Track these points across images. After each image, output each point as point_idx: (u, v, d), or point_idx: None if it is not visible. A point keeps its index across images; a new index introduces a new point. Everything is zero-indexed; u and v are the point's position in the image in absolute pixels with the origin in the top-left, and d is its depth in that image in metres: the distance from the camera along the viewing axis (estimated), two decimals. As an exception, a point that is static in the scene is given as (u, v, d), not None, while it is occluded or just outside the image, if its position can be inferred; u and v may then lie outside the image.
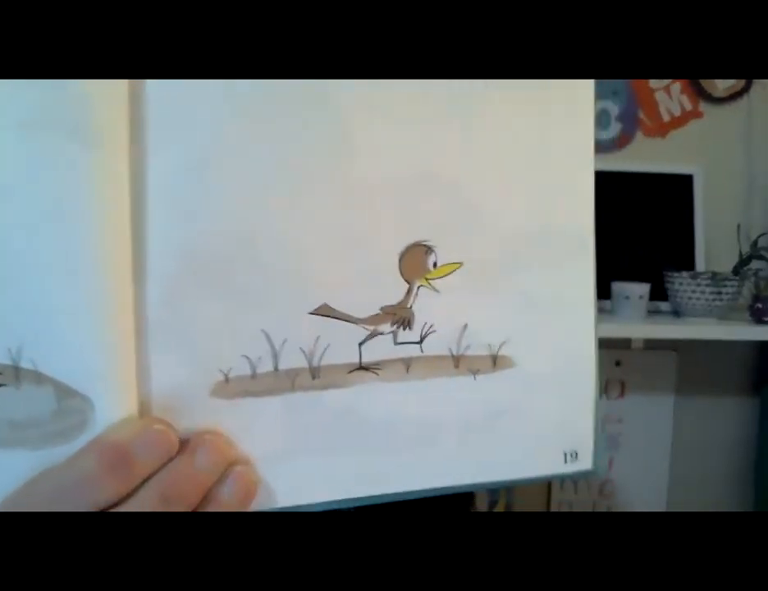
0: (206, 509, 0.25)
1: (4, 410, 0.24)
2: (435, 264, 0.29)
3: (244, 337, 0.27)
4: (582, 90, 0.30)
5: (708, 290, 1.18)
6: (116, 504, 0.23)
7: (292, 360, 0.27)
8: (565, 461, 0.31)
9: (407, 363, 0.29)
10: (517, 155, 0.30)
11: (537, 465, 0.31)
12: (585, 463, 0.32)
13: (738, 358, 1.44)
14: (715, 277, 1.18)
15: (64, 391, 0.24)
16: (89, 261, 0.23)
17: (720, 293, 1.19)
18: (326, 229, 0.27)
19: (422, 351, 0.29)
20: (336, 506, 0.28)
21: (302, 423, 0.28)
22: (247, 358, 0.27)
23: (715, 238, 1.35)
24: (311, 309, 0.27)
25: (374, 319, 0.28)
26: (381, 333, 0.29)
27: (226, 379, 0.26)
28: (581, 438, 0.32)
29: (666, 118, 1.40)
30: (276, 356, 0.27)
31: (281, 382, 0.27)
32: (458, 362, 0.30)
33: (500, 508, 1.36)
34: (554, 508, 1.41)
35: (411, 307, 0.29)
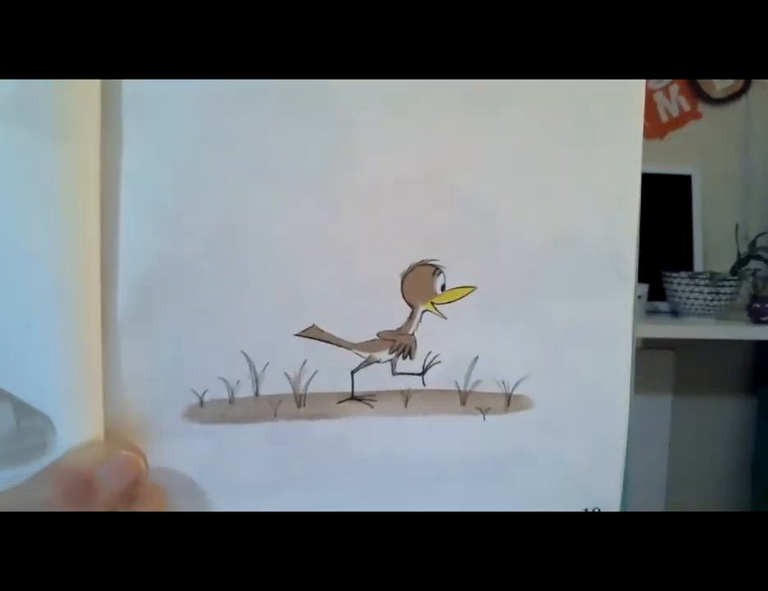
0: None
1: None
2: (443, 287, 0.26)
3: (221, 357, 0.24)
4: (632, 88, 0.26)
5: (706, 290, 1.19)
6: None
7: (275, 386, 0.25)
8: None
9: (406, 396, 0.26)
10: (545, 163, 0.26)
11: None
12: None
13: (735, 358, 1.44)
14: (713, 277, 1.19)
15: (23, 410, 0.22)
16: (54, 267, 0.21)
17: (718, 293, 1.19)
18: (317, 240, 0.24)
19: (424, 384, 0.26)
20: None
21: (285, 455, 0.25)
22: (224, 380, 0.24)
23: (713, 238, 1.35)
24: (298, 330, 0.25)
25: (370, 345, 0.25)
26: (378, 361, 0.26)
27: (201, 402, 0.24)
28: (606, 494, 0.28)
29: (665, 119, 1.40)
30: (256, 380, 0.25)
31: (262, 408, 0.25)
32: (465, 399, 0.26)
33: (498, 508, 1.36)
34: (552, 508, 1.41)
35: (413, 334, 0.26)
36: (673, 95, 1.41)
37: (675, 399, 1.42)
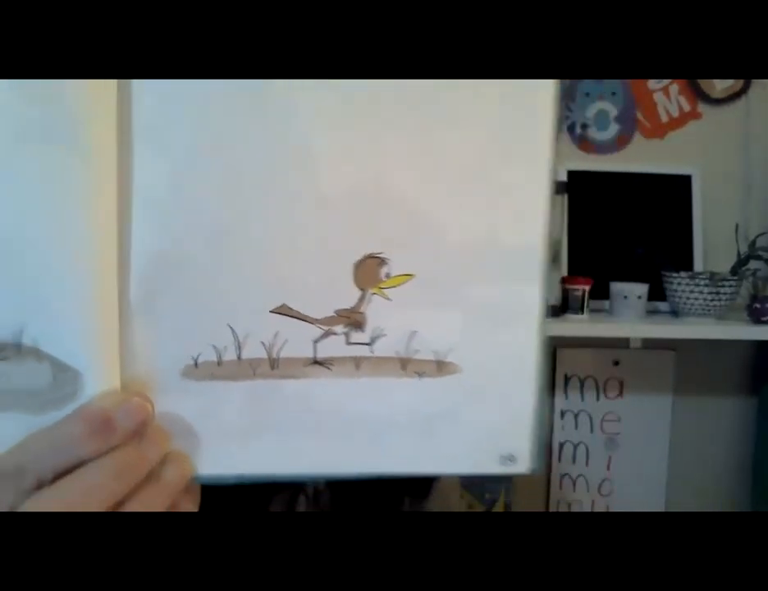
0: (149, 485, 0.28)
1: (8, 381, 0.28)
2: (388, 275, 0.31)
3: (211, 329, 0.31)
4: (542, 92, 0.30)
5: (706, 290, 1.19)
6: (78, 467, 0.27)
7: (254, 352, 0.31)
8: (501, 463, 0.34)
9: (357, 362, 0.32)
10: (469, 166, 0.31)
11: (473, 464, 0.34)
12: (522, 466, 0.34)
13: (736, 358, 1.44)
14: (713, 278, 1.19)
15: (59, 367, 0.28)
16: (82, 260, 0.28)
17: (718, 293, 1.19)
18: (288, 237, 0.30)
19: (372, 352, 0.32)
20: (293, 480, 0.31)
21: (262, 406, 0.31)
22: (214, 347, 0.31)
23: (713, 238, 1.35)
24: (272, 308, 0.31)
25: (329, 320, 0.31)
26: (335, 333, 0.32)
27: (195, 364, 0.31)
28: (518, 444, 0.34)
29: (665, 119, 1.40)
30: (239, 347, 0.31)
31: (244, 369, 0.31)
32: (405, 365, 0.32)
33: (499, 507, 1.36)
34: (552, 507, 1.41)
35: (364, 312, 0.32)
36: (673, 95, 1.40)
37: (675, 399, 1.42)
